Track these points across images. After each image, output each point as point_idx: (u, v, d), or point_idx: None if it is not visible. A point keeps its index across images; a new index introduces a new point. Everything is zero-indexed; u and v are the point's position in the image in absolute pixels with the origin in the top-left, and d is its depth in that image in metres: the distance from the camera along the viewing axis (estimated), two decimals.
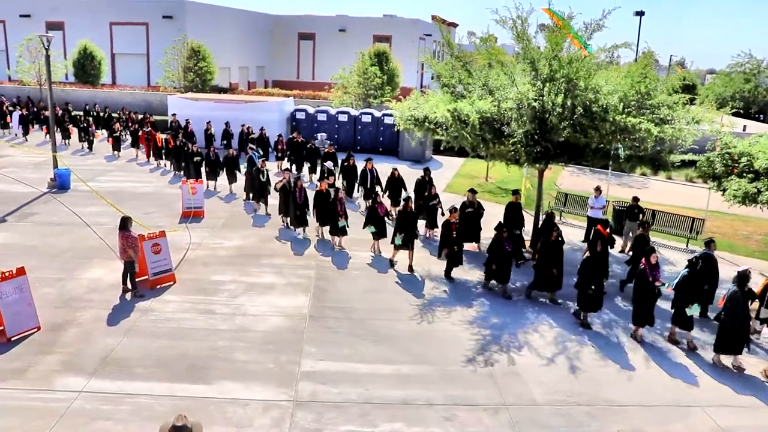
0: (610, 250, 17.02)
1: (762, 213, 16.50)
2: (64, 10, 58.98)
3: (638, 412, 11.05)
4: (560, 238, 15.52)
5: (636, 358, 12.96)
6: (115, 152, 31.55)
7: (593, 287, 13.94)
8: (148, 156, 30.40)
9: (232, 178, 24.50)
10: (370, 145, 34.10)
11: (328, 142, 29.55)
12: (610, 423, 10.66)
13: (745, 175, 16.07)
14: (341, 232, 18.45)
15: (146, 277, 15.14)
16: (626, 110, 15.92)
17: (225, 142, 30.76)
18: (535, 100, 16.10)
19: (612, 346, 13.47)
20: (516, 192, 19.16)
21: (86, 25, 56.80)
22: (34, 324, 12.70)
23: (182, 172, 25.92)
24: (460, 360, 12.46)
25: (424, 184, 20.40)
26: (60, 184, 23.98)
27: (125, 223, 14.52)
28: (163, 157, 29.45)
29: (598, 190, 20.57)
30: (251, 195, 22.68)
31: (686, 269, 13.47)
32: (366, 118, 34.64)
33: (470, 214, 18.49)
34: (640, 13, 60.03)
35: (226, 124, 31.42)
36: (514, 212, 18.55)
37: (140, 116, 35.09)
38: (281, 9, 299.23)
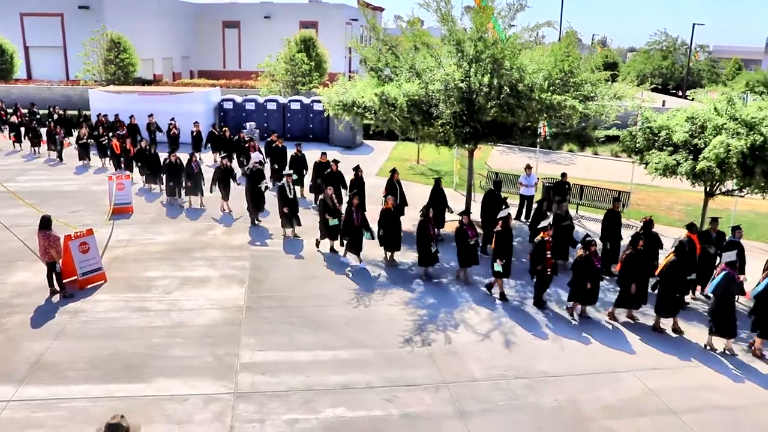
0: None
1: (681, 184, 17.15)
2: None
3: (572, 381, 11.41)
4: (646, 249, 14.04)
5: (568, 330, 13.39)
6: (83, 161, 27.53)
7: (678, 293, 13.29)
8: (118, 166, 25.64)
9: (226, 194, 20.76)
10: (300, 132, 33.78)
11: (256, 131, 29.19)
12: (546, 393, 10.97)
13: (664, 148, 16.60)
14: (433, 260, 15.85)
15: (75, 277, 14.67)
16: (551, 88, 16.27)
17: (209, 145, 26.98)
18: (462, 81, 16.27)
19: (546, 320, 13.88)
20: (616, 200, 17.43)
21: None
22: None
23: (155, 186, 23.18)
24: (398, 342, 12.58)
25: (496, 202, 17.31)
26: None
27: (46, 223, 14.01)
28: (131, 165, 24.58)
29: (528, 168, 21.00)
30: (254, 216, 19.62)
31: None
32: (295, 106, 34.31)
33: (565, 228, 16.47)
34: None
35: (213, 126, 28.07)
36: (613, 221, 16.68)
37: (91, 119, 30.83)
38: None
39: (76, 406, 10.22)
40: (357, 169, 19.51)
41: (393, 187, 18.83)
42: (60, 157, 28.32)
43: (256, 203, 19.39)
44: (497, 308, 14.30)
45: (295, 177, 19.68)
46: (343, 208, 17.13)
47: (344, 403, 10.49)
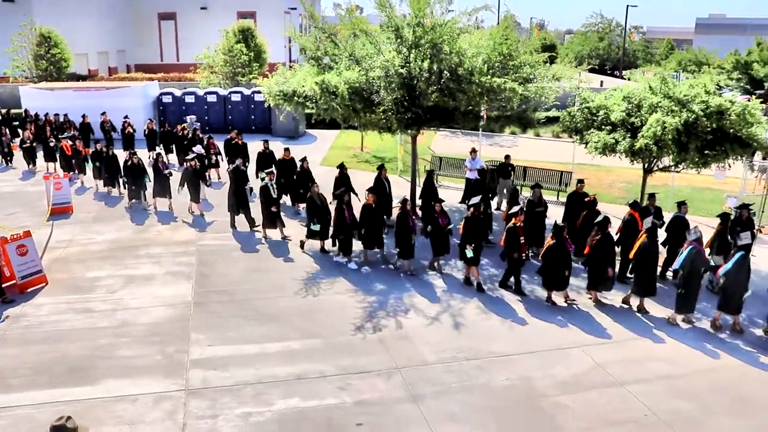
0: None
1: (621, 162, 17.60)
2: None
3: (523, 359, 11.63)
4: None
5: (516, 310, 13.61)
6: (30, 166, 25.34)
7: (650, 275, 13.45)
8: (68, 168, 23.42)
9: (196, 195, 19.48)
10: (242, 124, 33.25)
11: (197, 125, 28.59)
12: (497, 373, 11.16)
13: (603, 127, 16.95)
14: (411, 253, 15.51)
15: (14, 281, 14.17)
16: (491, 72, 16.43)
17: (161, 144, 26.02)
18: (402, 67, 16.28)
19: (493, 301, 14.07)
20: (580, 182, 17.08)
21: None
22: None
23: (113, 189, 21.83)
24: (349, 330, 12.61)
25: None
26: None
27: None
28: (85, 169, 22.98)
29: (473, 151, 21.18)
30: (235, 217, 18.39)
31: (740, 254, 12.59)
32: (236, 97, 33.88)
33: (539, 214, 16.40)
34: None
35: (163, 123, 27.08)
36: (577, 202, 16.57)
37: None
38: None
39: (20, 413, 9.92)
40: (342, 166, 18.89)
41: (381, 184, 17.90)
42: (8, 160, 26.51)
43: (240, 204, 18.17)
44: (445, 292, 14.45)
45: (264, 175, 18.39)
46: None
47: (297, 394, 10.46)
